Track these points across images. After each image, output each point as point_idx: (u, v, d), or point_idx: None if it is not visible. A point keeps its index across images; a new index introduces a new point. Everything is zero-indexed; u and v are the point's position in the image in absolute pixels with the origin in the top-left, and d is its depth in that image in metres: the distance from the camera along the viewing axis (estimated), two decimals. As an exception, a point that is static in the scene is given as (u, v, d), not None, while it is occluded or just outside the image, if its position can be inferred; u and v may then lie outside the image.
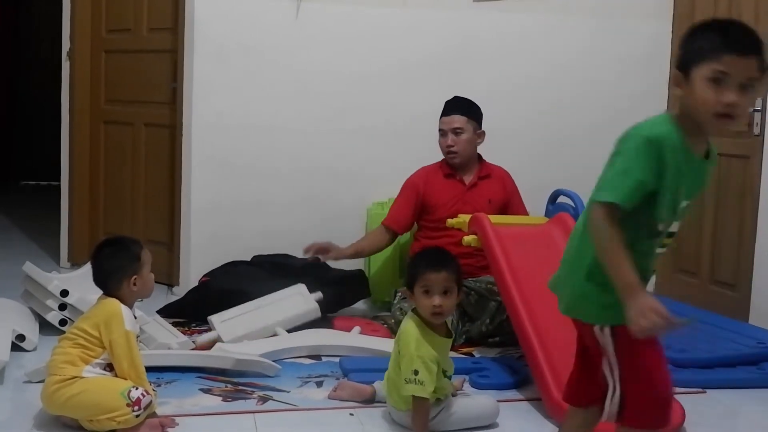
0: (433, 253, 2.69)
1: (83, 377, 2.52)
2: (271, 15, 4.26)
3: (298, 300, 3.64)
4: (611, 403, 1.96)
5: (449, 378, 2.65)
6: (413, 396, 2.52)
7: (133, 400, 2.47)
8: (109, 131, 4.82)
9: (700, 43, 1.84)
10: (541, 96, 4.55)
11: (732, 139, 4.07)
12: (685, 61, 1.85)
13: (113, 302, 2.58)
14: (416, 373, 2.49)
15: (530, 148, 4.51)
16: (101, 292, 3.64)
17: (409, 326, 2.56)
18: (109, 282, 2.62)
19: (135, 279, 2.60)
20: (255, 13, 4.24)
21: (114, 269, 2.60)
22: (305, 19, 4.29)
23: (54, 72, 5.04)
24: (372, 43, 4.39)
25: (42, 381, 2.89)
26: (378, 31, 4.38)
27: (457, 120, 3.83)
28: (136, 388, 2.49)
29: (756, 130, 3.85)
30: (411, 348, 2.51)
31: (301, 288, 3.68)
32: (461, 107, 3.86)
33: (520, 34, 4.53)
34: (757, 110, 3.84)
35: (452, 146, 3.83)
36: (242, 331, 3.42)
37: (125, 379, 2.52)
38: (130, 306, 2.62)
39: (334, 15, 4.32)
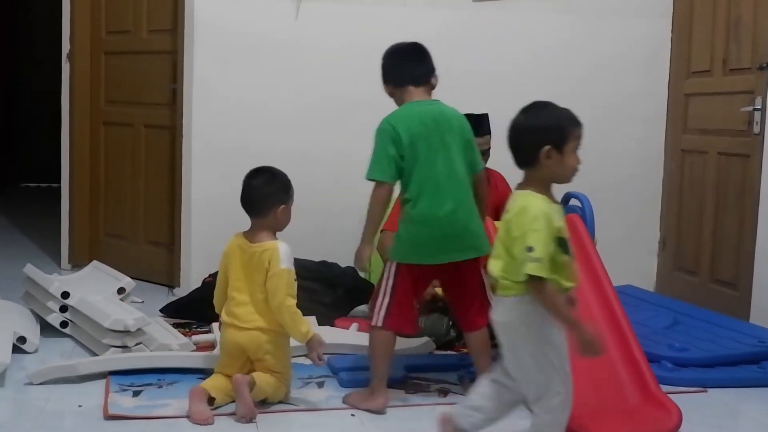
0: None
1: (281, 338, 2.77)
2: (271, 15, 4.25)
3: None
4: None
5: None
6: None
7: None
8: (109, 133, 4.82)
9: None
10: (541, 95, 4.50)
11: (732, 138, 4.07)
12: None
13: (270, 242, 2.75)
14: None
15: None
16: (102, 292, 3.67)
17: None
18: (262, 205, 2.76)
19: (283, 208, 2.77)
20: (255, 14, 4.24)
21: (269, 194, 2.78)
22: (305, 20, 4.29)
23: (54, 73, 5.04)
24: (372, 43, 4.36)
25: (43, 383, 2.91)
26: (377, 31, 4.37)
27: (485, 141, 3.66)
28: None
29: (756, 129, 3.85)
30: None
31: (311, 320, 3.50)
32: (486, 126, 3.71)
33: (519, 33, 4.51)
34: (758, 109, 3.83)
35: None
36: None
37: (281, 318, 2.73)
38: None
39: (334, 15, 4.31)
